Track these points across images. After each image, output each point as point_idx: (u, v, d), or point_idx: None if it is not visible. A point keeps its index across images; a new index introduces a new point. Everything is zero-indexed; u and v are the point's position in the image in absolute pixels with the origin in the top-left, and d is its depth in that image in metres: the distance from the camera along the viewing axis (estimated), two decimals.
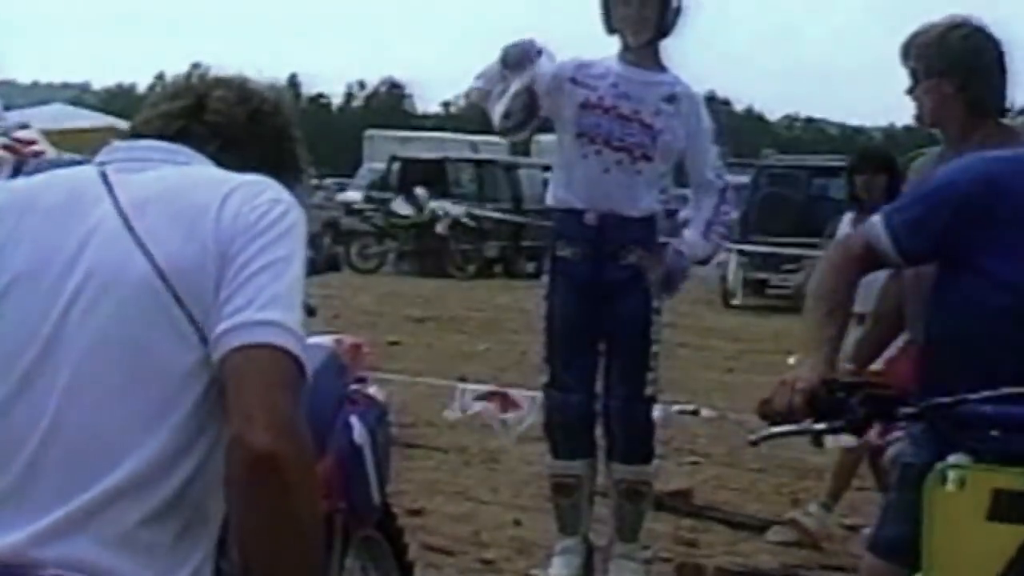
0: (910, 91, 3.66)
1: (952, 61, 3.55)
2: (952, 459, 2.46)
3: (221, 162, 1.99)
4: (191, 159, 1.97)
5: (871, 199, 5.87)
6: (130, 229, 1.82)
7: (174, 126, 2.01)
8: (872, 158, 6.09)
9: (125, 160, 1.95)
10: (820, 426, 2.59)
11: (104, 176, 1.91)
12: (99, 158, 1.98)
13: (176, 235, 1.81)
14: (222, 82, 2.07)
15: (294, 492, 1.70)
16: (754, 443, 2.72)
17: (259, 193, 1.86)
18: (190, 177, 1.92)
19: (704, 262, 5.61)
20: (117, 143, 2.03)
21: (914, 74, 3.63)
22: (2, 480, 1.77)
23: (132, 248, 1.81)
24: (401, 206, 22.24)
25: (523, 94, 4.94)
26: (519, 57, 4.92)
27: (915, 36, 3.65)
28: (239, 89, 2.06)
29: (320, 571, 1.80)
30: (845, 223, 6.03)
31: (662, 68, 5.05)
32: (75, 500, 1.74)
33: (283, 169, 2.07)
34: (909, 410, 2.55)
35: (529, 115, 5.02)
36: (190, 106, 2.02)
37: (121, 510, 1.74)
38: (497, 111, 4.99)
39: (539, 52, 4.96)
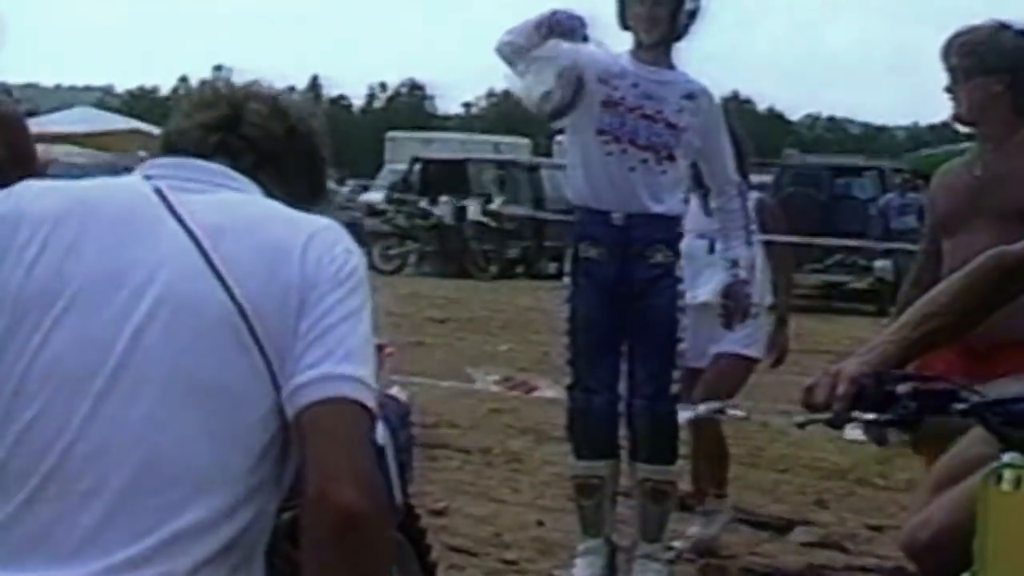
0: (949, 89, 3.63)
1: (1005, 59, 3.54)
2: (1007, 458, 2.38)
3: (258, 179, 1.95)
4: (244, 187, 1.93)
5: None
6: (207, 258, 1.78)
7: (211, 139, 1.96)
8: None
9: (179, 179, 1.89)
10: (869, 416, 2.53)
11: (160, 193, 1.85)
12: (145, 171, 1.92)
13: (258, 272, 1.78)
14: (253, 94, 2.02)
15: (376, 548, 1.71)
16: (800, 425, 2.63)
17: (336, 242, 1.87)
18: (262, 209, 1.88)
19: None
20: (162, 159, 1.96)
21: (955, 73, 3.60)
22: (59, 503, 1.73)
23: (211, 280, 1.77)
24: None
25: (573, 81, 4.84)
26: (567, 28, 4.80)
27: (958, 35, 3.62)
28: (272, 103, 2.02)
29: None
30: (694, 207, 5.59)
31: (672, 67, 5.05)
32: (141, 540, 1.71)
33: (316, 189, 2.07)
34: (962, 406, 2.46)
35: (574, 100, 4.89)
36: (225, 117, 1.98)
37: (182, 552, 1.72)
38: (538, 90, 4.85)
39: (586, 38, 4.86)
